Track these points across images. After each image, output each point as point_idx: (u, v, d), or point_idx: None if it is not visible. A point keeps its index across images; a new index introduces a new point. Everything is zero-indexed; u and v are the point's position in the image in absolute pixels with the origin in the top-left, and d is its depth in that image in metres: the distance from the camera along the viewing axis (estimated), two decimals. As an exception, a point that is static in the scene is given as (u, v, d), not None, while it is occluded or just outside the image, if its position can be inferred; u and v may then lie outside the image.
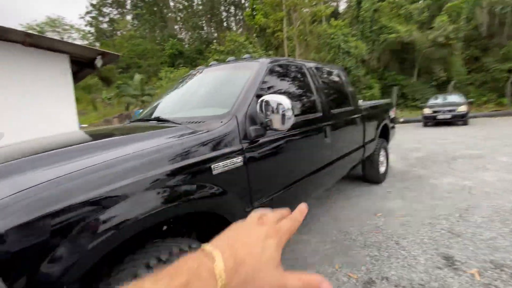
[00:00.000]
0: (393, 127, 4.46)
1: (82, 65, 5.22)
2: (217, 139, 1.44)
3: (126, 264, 1.20)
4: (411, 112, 15.89)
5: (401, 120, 13.37)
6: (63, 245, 0.89)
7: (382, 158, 3.97)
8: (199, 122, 1.56)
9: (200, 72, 2.43)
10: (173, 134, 1.37)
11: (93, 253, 0.97)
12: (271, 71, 2.04)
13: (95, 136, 1.65)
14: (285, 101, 1.47)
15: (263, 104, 1.56)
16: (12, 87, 4.00)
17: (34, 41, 4.06)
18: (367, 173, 3.83)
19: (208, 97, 2.04)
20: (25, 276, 0.84)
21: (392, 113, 4.38)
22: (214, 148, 1.40)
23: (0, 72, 3.88)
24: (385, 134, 4.12)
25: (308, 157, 2.22)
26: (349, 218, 2.90)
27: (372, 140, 3.54)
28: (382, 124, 3.88)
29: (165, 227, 1.56)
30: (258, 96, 1.73)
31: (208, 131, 1.43)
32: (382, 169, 3.94)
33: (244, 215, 1.56)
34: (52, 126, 3.99)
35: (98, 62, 4.90)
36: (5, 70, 3.95)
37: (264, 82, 1.90)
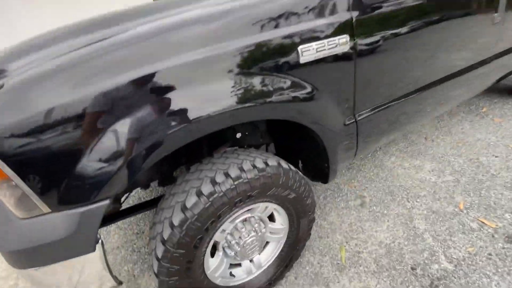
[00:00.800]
0: None
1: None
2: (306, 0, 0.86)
3: (191, 175, 0.98)
4: None
5: None
6: (137, 125, 0.71)
7: None
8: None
9: None
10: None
11: (166, 143, 0.75)
12: None
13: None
14: None
15: None
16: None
17: None
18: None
19: None
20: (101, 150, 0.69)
21: None
22: (301, 17, 0.85)
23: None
24: None
25: (456, 47, 1.39)
26: (485, 144, 2.07)
27: None
28: None
29: (239, 135, 1.27)
30: None
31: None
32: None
33: (342, 130, 1.08)
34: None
35: None
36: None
37: None
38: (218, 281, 1.09)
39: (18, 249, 0.67)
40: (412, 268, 1.25)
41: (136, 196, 2.12)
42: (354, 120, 1.10)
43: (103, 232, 1.82)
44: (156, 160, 0.77)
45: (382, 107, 1.22)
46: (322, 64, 0.89)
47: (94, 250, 0.74)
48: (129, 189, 1.23)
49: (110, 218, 1.22)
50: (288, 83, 0.85)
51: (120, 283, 0.96)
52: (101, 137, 0.67)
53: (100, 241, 0.76)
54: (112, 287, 0.94)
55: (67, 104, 0.63)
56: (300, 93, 0.88)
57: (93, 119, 0.66)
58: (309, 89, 0.90)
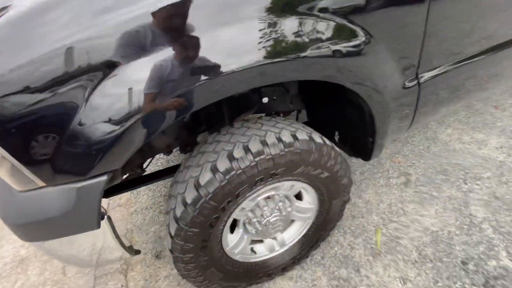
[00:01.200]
0: None
1: None
2: None
3: (207, 146, 0.86)
4: None
5: None
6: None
7: None
8: None
9: None
10: None
11: (177, 106, 0.63)
12: None
13: None
14: None
15: None
16: None
17: None
18: None
19: None
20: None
21: None
22: None
23: None
24: None
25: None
26: None
27: None
28: None
29: (265, 99, 1.09)
30: None
31: None
32: None
33: (399, 95, 0.78)
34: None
35: None
36: None
37: None
38: (237, 258, 1.03)
39: (19, 223, 0.63)
40: (463, 263, 1.07)
41: (164, 159, 2.12)
42: (416, 82, 0.85)
43: (133, 192, 1.86)
44: (163, 128, 0.64)
45: (452, 68, 0.94)
46: (382, 2, 0.64)
47: (98, 227, 0.68)
48: (149, 155, 1.17)
49: (133, 183, 1.19)
50: (333, 28, 0.63)
51: (136, 252, 0.93)
52: (96, 93, 0.55)
53: (105, 217, 0.70)
54: (131, 256, 0.92)
55: (65, 47, 0.52)
56: (348, 44, 0.66)
57: (97, 66, 0.54)
58: (361, 37, 0.67)
